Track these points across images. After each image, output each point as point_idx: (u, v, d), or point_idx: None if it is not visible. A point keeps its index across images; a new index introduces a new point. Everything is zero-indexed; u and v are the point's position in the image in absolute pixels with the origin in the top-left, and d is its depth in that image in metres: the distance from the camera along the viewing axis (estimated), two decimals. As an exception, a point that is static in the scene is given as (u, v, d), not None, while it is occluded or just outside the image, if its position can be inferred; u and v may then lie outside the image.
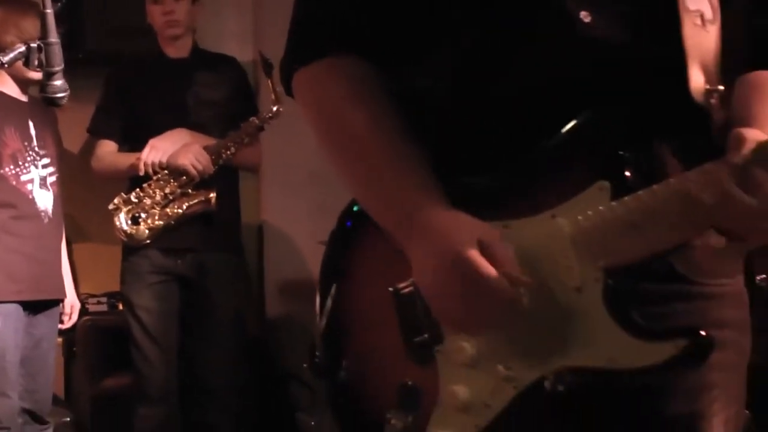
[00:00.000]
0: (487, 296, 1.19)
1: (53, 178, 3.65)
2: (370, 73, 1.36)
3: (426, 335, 1.32)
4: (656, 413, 1.28)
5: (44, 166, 3.62)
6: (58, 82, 2.10)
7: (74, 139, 4.24)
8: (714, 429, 1.30)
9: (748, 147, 1.15)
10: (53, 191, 3.64)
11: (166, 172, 3.79)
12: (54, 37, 2.07)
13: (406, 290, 1.34)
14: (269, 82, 3.72)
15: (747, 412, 2.88)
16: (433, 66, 1.34)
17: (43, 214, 3.59)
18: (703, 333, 1.18)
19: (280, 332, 4.52)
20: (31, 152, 3.59)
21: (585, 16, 1.26)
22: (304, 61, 1.39)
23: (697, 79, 1.26)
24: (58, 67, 2.08)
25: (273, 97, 3.72)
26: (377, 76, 1.36)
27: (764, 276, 3.05)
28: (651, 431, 1.29)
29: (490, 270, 1.19)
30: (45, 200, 3.60)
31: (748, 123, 1.25)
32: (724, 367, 1.30)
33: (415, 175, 1.29)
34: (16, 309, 3.46)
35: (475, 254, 1.19)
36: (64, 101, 2.13)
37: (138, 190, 3.82)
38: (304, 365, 3.82)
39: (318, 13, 1.39)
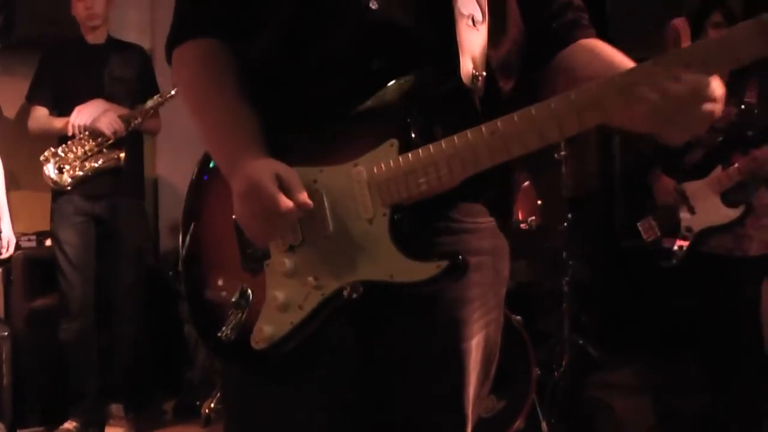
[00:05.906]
0: (276, 214, 1.19)
1: (-12, 138, 3.46)
2: (222, 50, 1.34)
3: (258, 252, 1.29)
4: (428, 316, 1.29)
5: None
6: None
7: (11, 108, 4.05)
8: (474, 330, 1.31)
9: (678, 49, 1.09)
10: (-13, 149, 3.45)
11: (87, 133, 3.63)
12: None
13: None
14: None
15: (519, 317, 2.99)
16: (263, 43, 1.31)
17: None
18: (460, 257, 1.19)
19: (171, 262, 4.38)
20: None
21: (373, 3, 1.24)
22: (177, 42, 1.37)
23: (466, 67, 1.23)
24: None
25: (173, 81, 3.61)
26: (226, 52, 1.34)
27: (533, 218, 3.15)
28: (424, 329, 1.30)
29: (277, 194, 1.18)
30: (-20, 156, 3.39)
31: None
32: (482, 284, 1.32)
33: (242, 132, 1.28)
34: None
35: (269, 183, 1.19)
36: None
37: (63, 146, 3.65)
38: (170, 273, 3.77)
39: (187, 7, 1.37)
